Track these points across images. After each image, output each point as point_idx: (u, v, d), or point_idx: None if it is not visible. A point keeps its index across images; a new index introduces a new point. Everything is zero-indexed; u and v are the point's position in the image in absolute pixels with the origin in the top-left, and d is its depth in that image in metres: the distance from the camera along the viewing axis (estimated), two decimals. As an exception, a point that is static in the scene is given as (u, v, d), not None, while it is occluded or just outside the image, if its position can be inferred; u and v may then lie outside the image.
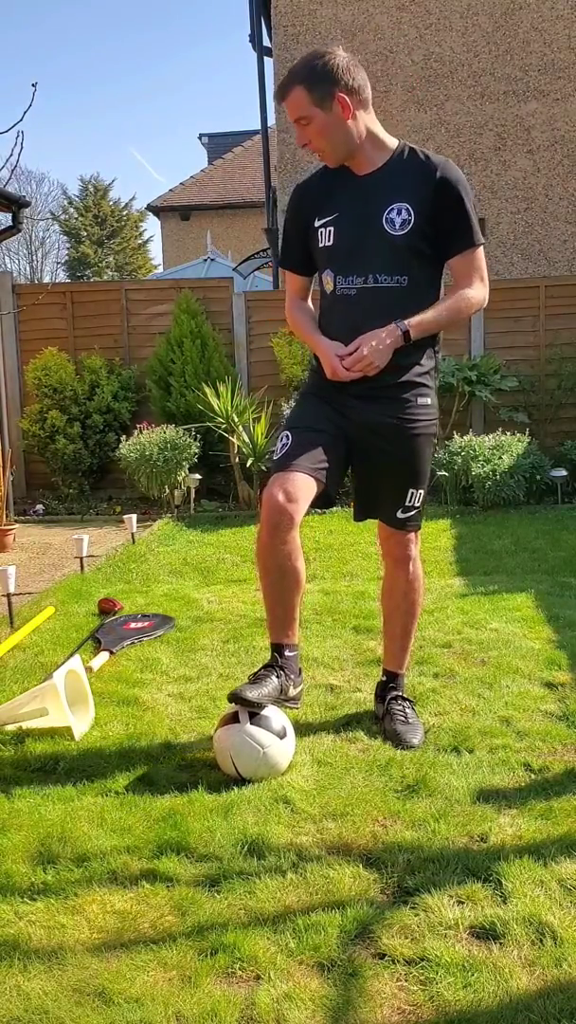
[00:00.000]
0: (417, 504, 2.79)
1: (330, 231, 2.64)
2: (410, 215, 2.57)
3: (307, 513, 2.61)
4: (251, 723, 2.50)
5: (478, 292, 2.67)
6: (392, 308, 2.57)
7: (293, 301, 2.86)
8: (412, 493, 2.76)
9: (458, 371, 7.93)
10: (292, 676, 2.64)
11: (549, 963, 1.75)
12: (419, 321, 2.57)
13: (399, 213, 2.57)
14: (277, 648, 2.65)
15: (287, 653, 2.65)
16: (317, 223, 2.66)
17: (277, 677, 2.59)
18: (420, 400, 2.71)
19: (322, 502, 2.67)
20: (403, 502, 2.76)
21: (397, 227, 2.57)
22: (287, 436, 2.65)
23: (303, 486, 2.56)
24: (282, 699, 2.60)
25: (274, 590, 2.63)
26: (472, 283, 2.66)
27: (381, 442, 2.69)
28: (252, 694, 2.50)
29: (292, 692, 2.65)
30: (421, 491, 2.78)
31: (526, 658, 3.49)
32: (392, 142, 2.65)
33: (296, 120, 2.56)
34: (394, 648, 2.97)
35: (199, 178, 21.08)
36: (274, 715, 2.55)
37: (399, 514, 2.78)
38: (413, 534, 2.84)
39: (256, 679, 2.58)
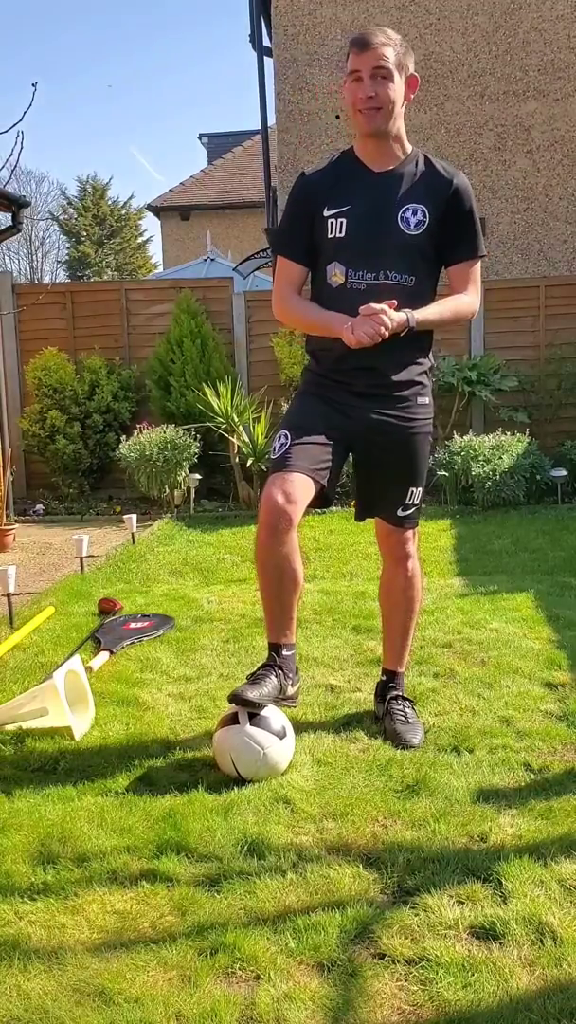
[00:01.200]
0: (416, 502, 2.80)
1: (341, 223, 2.61)
2: (425, 216, 2.60)
3: (305, 513, 2.61)
4: (251, 724, 2.50)
5: (474, 300, 2.71)
6: (400, 307, 2.56)
7: (286, 292, 2.74)
8: (412, 491, 2.77)
9: (458, 371, 7.93)
10: (290, 675, 2.65)
11: (549, 963, 1.75)
12: (424, 317, 2.58)
13: (415, 213, 2.59)
14: (275, 648, 2.66)
15: (284, 652, 2.65)
16: (327, 212, 2.63)
17: (276, 676, 2.59)
18: (420, 400, 2.73)
19: (320, 502, 2.67)
20: (403, 500, 2.77)
21: (412, 227, 2.59)
22: (285, 436, 2.64)
23: (302, 487, 2.55)
24: (281, 698, 2.61)
25: (272, 590, 2.63)
26: (467, 291, 2.69)
27: (382, 440, 2.70)
28: (253, 694, 2.50)
29: (290, 691, 2.67)
30: (420, 489, 2.80)
31: (526, 658, 3.49)
32: (409, 147, 2.68)
33: (377, 68, 2.52)
34: (394, 647, 2.98)
35: (199, 178, 21.07)
36: (273, 715, 2.56)
37: (399, 512, 2.79)
38: (411, 532, 2.85)
39: (255, 679, 2.58)
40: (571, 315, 8.30)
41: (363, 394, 2.67)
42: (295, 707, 2.80)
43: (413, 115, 9.66)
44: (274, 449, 2.66)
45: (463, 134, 9.78)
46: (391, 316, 2.49)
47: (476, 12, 9.62)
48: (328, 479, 2.63)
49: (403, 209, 2.59)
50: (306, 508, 2.60)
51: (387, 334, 2.49)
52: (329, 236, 2.64)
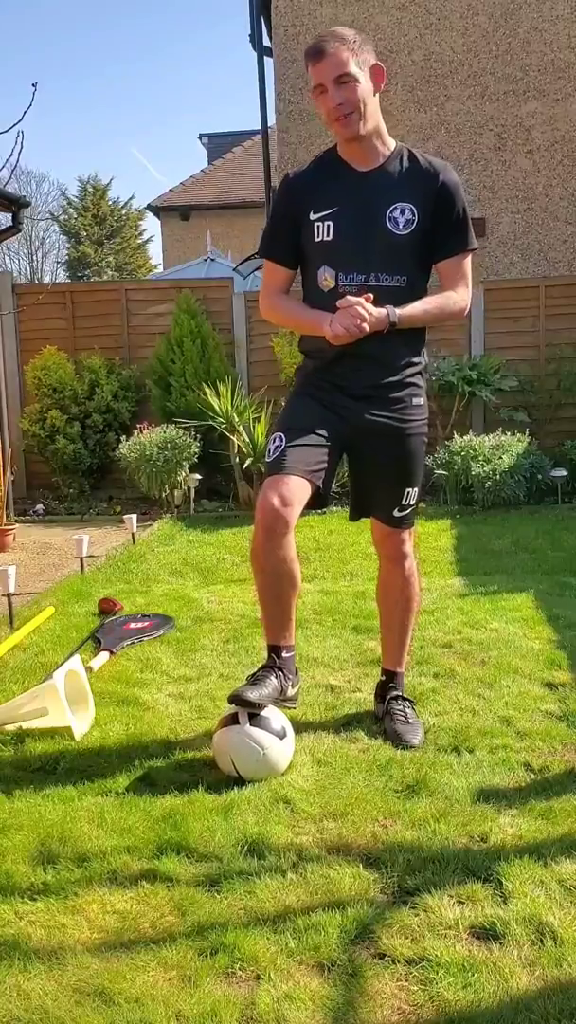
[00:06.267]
0: (412, 502, 2.80)
1: (328, 226, 2.59)
2: (414, 215, 2.57)
3: (302, 514, 2.61)
4: (251, 724, 2.50)
5: (463, 296, 2.68)
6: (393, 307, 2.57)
7: (272, 293, 2.76)
8: (408, 492, 2.76)
9: (458, 371, 7.92)
10: (290, 676, 2.66)
11: (549, 963, 1.75)
12: (408, 315, 2.57)
13: (403, 213, 2.57)
14: (274, 649, 2.66)
15: (284, 654, 2.66)
16: (313, 216, 2.60)
17: (276, 678, 2.60)
18: (415, 401, 2.72)
19: (316, 503, 2.66)
20: (399, 501, 2.76)
21: (400, 226, 2.57)
22: (280, 438, 2.63)
23: (297, 489, 2.55)
24: (281, 699, 2.61)
25: (270, 592, 2.63)
26: (457, 287, 2.67)
27: (377, 442, 2.69)
28: (252, 695, 2.50)
29: (290, 692, 2.67)
30: (416, 489, 2.80)
31: (526, 658, 3.49)
32: (391, 141, 2.65)
33: (336, 78, 2.48)
34: (392, 647, 2.98)
35: (199, 178, 21.07)
36: (273, 715, 2.56)
37: (396, 512, 2.78)
38: (408, 532, 2.85)
39: (255, 680, 2.59)
40: (571, 315, 8.29)
41: (357, 396, 2.66)
42: (295, 708, 2.80)
43: (413, 115, 9.67)
44: (269, 451, 2.65)
45: (463, 134, 9.77)
46: (368, 309, 2.49)
47: (476, 12, 9.62)
48: (324, 480, 2.63)
49: (391, 209, 2.56)
50: (302, 509, 2.60)
51: (366, 327, 2.49)
52: (316, 240, 2.61)
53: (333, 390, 2.68)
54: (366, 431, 2.67)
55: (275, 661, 2.64)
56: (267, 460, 2.66)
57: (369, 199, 2.58)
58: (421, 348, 2.74)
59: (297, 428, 2.64)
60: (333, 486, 2.76)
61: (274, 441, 2.64)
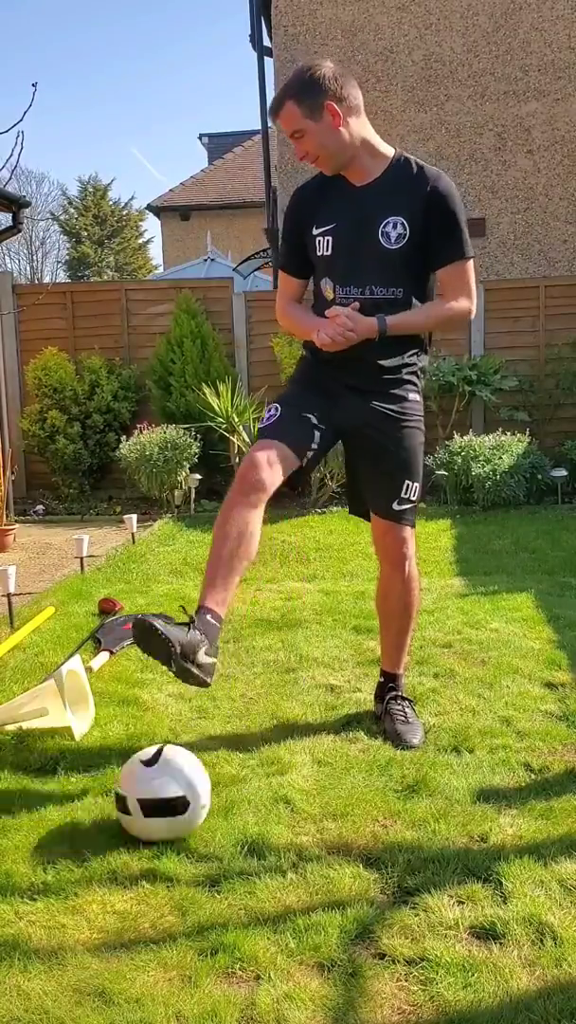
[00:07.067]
0: (413, 497, 2.79)
1: (328, 241, 2.66)
2: (405, 229, 2.60)
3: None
4: (145, 816, 2.19)
5: (463, 304, 2.69)
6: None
7: (284, 303, 2.88)
8: (407, 485, 2.76)
9: (458, 371, 7.92)
10: (209, 640, 2.35)
11: (549, 963, 1.75)
12: (399, 322, 2.62)
13: (395, 227, 2.60)
14: (202, 608, 2.40)
15: (208, 617, 2.38)
16: (315, 231, 2.68)
17: (190, 631, 2.31)
18: (411, 396, 2.77)
19: (290, 483, 2.62)
20: (399, 494, 2.76)
21: (392, 241, 2.60)
22: (276, 408, 2.68)
23: (284, 457, 2.57)
24: (189, 660, 2.29)
25: (226, 550, 2.45)
26: (458, 296, 2.68)
27: (374, 434, 2.72)
28: (157, 623, 2.26)
29: (202, 658, 2.31)
30: (416, 484, 2.79)
31: (526, 658, 3.49)
32: (388, 151, 2.66)
33: (291, 135, 2.59)
34: (391, 649, 2.97)
35: (199, 178, 21.09)
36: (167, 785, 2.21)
37: (395, 506, 2.78)
38: (408, 532, 2.83)
39: (168, 620, 2.33)
40: (571, 315, 8.30)
41: (354, 388, 2.71)
42: (209, 683, 2.38)
43: (413, 115, 9.66)
44: (264, 418, 2.69)
45: (463, 134, 9.77)
46: (355, 319, 2.55)
47: (476, 12, 9.61)
48: (309, 460, 2.64)
49: (383, 224, 2.60)
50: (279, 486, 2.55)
51: (354, 335, 2.55)
52: (319, 254, 2.70)
53: (333, 381, 2.73)
54: (364, 421, 2.71)
55: (194, 621, 2.35)
56: (260, 426, 2.69)
57: (363, 215, 2.63)
58: (418, 351, 2.77)
59: (294, 404, 2.69)
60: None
61: (270, 410, 2.69)
